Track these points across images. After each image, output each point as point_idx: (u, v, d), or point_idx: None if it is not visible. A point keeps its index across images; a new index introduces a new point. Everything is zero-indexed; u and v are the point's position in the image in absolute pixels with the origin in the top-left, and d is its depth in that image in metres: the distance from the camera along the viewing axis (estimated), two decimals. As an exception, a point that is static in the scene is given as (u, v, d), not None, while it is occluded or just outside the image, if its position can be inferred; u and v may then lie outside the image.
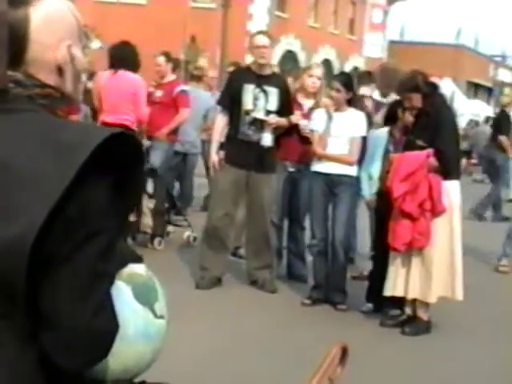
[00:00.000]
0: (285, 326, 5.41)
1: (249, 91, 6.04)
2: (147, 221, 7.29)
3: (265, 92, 6.06)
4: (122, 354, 1.35)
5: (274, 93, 6.08)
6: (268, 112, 6.05)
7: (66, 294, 1.23)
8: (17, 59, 1.33)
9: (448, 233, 5.27)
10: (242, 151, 6.02)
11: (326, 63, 33.02)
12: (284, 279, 6.61)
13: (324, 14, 37.58)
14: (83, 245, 1.24)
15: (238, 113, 6.06)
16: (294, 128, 6.30)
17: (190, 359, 4.40)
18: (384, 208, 5.46)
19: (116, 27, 26.66)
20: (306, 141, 6.25)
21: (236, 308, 5.74)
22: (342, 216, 5.86)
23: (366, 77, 7.60)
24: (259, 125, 6.04)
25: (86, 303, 1.24)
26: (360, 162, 6.01)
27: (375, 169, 5.91)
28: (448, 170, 5.28)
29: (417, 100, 5.32)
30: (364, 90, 7.18)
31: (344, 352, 1.87)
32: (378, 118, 6.43)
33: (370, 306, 5.82)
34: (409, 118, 5.48)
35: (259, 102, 6.05)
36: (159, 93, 7.81)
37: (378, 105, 6.81)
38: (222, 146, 6.32)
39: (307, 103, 6.59)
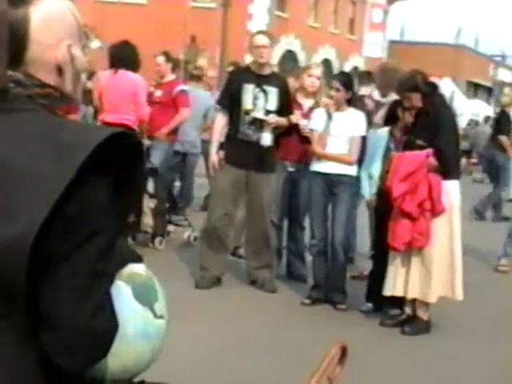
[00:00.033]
0: (284, 325, 5.41)
1: (248, 91, 6.04)
2: (148, 220, 7.29)
3: (264, 92, 6.07)
4: (122, 354, 1.34)
5: (273, 92, 6.09)
6: (268, 112, 6.05)
7: (65, 293, 1.23)
8: (17, 59, 1.33)
9: (448, 232, 5.27)
10: (241, 151, 6.02)
11: (326, 63, 33.01)
12: (284, 279, 6.61)
13: (324, 14, 37.58)
14: (83, 244, 1.24)
15: (237, 112, 6.06)
16: (293, 128, 6.30)
17: (190, 359, 4.40)
18: (384, 208, 5.46)
19: (116, 27, 26.61)
20: (305, 140, 6.25)
21: (236, 308, 5.74)
22: (342, 216, 5.86)
23: (366, 77, 7.61)
24: (259, 124, 6.04)
25: (85, 303, 1.24)
26: (360, 161, 6.01)
27: (375, 169, 5.90)
28: (448, 169, 5.28)
29: (416, 100, 5.32)
30: (364, 90, 7.18)
31: (343, 352, 1.88)
32: (378, 117, 6.43)
33: (369, 305, 5.82)
34: (408, 117, 5.49)
35: (259, 102, 6.05)
36: (159, 92, 7.81)
37: (377, 105, 6.81)
38: (221, 146, 6.32)
39: (307, 103, 6.59)
